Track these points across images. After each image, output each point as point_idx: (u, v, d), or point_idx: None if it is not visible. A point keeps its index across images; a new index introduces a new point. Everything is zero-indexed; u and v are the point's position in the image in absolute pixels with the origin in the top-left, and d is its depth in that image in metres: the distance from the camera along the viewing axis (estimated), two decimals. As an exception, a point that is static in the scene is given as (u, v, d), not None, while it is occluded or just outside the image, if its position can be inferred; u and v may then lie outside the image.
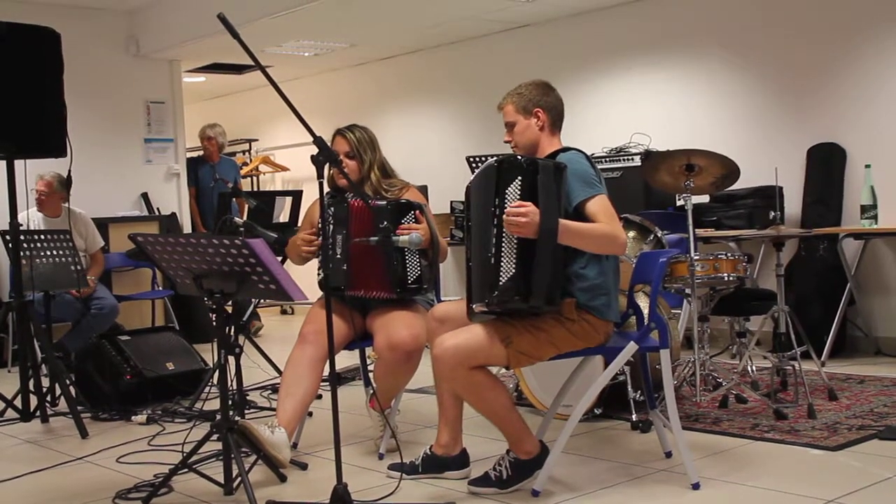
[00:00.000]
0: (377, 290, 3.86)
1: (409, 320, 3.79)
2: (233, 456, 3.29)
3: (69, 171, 5.01)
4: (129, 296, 7.20)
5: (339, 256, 3.83)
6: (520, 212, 3.06)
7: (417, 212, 3.84)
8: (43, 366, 5.09)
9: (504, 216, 3.09)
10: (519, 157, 3.23)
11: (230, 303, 3.42)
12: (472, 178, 3.42)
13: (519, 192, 3.13)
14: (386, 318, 3.84)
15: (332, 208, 3.86)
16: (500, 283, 3.12)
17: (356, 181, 3.95)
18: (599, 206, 3.22)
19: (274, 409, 4.12)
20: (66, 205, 6.12)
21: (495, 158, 3.24)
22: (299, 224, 4.83)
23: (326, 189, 3.94)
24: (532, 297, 3.11)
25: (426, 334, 3.61)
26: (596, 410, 4.34)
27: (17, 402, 4.87)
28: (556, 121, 3.46)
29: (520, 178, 3.14)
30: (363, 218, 3.82)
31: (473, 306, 3.26)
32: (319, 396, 4.71)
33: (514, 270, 3.11)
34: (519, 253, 3.11)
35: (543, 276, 3.10)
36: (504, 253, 3.13)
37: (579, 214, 3.22)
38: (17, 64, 4.62)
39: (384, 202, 3.83)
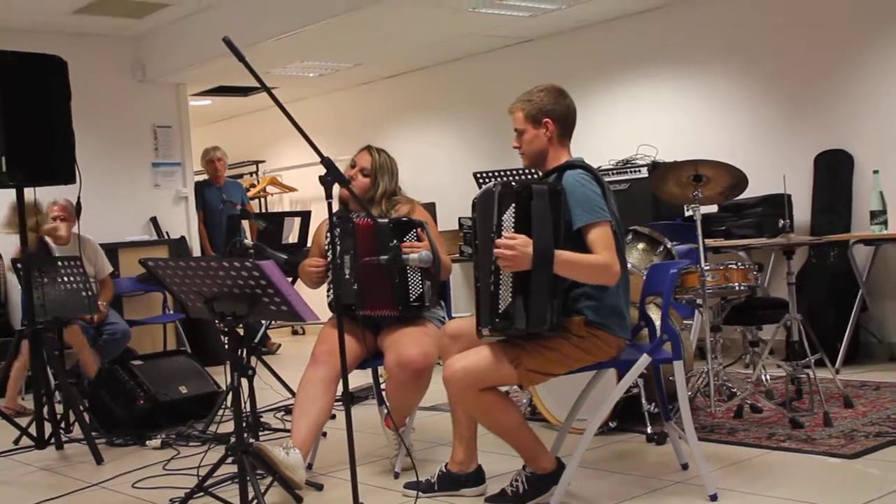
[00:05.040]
0: (380, 309, 3.87)
1: (419, 338, 3.79)
2: (248, 478, 3.28)
3: (78, 197, 5.01)
4: (140, 320, 7.21)
5: (347, 276, 3.84)
6: (508, 244, 3.04)
7: (419, 230, 3.85)
8: (56, 392, 5.09)
9: (494, 251, 3.08)
10: (513, 184, 3.20)
11: (242, 325, 3.42)
12: (478, 193, 3.40)
13: (513, 220, 3.12)
14: (395, 336, 3.84)
15: (339, 228, 3.88)
16: (500, 310, 3.12)
17: (364, 199, 3.96)
18: (597, 235, 3.15)
19: (288, 431, 4.12)
20: (76, 231, 6.15)
21: (493, 183, 3.22)
22: (308, 244, 4.84)
23: (334, 208, 3.96)
24: (531, 325, 3.10)
25: (439, 351, 3.61)
26: (611, 424, 4.32)
27: (32, 430, 4.87)
28: (565, 130, 3.42)
29: (514, 205, 3.13)
30: (369, 237, 3.84)
31: (481, 329, 3.25)
32: (333, 416, 4.71)
33: (510, 298, 3.11)
34: (515, 281, 3.10)
35: (541, 302, 3.09)
36: (502, 281, 3.13)
37: (580, 237, 3.19)
38: (26, 92, 4.65)
39: (385, 220, 3.85)
